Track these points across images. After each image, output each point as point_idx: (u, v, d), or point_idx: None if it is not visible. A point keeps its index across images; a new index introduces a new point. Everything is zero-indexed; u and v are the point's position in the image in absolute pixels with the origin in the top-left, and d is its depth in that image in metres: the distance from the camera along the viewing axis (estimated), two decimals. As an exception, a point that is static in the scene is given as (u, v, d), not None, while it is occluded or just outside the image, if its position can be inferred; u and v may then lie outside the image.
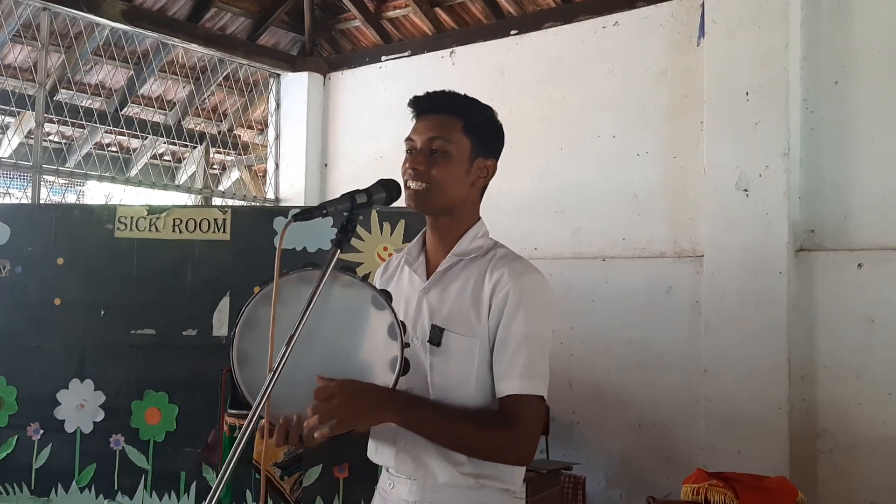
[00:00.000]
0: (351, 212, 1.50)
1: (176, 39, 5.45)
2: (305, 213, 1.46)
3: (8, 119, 5.79)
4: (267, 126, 6.32)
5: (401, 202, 1.70)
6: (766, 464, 3.67)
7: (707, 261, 4.16)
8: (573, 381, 4.61)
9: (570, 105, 4.83)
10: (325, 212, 1.47)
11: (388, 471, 1.73)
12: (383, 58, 5.81)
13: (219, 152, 6.76)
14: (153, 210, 3.59)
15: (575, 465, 3.92)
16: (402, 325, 1.55)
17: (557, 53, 4.93)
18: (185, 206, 3.63)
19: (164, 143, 6.37)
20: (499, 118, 1.76)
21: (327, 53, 6.22)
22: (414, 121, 1.71)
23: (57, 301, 3.58)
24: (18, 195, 6.32)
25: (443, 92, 1.71)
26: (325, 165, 6.06)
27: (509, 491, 1.68)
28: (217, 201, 6.05)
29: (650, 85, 4.52)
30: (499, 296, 1.61)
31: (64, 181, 7.68)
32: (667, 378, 4.31)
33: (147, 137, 6.19)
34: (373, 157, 5.65)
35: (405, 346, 1.54)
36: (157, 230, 3.57)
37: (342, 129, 6.01)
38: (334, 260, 1.44)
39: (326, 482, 3.31)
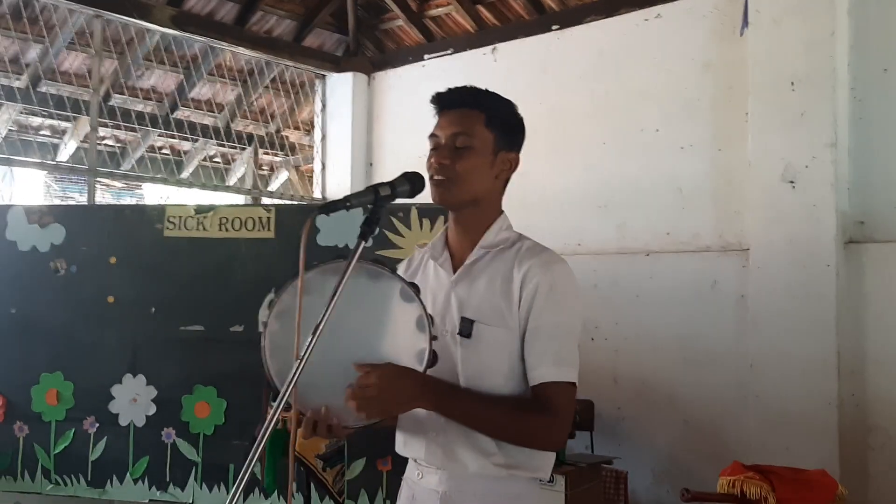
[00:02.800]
0: (375, 204, 1.53)
1: (223, 43, 5.57)
2: (329, 207, 1.49)
3: (65, 125, 6.00)
4: (314, 127, 6.41)
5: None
6: (816, 460, 3.59)
7: (753, 254, 4.09)
8: (619, 377, 4.59)
9: (613, 99, 4.80)
10: (348, 204, 1.50)
11: (416, 461, 1.76)
12: (426, 56, 5.85)
13: (267, 153, 6.88)
14: (200, 209, 3.69)
15: (616, 458, 3.90)
16: (431, 318, 1.57)
17: (599, 47, 4.90)
18: (232, 206, 3.71)
19: (215, 145, 6.52)
20: (518, 110, 1.77)
21: (371, 53, 6.29)
22: (437, 117, 1.73)
23: (110, 299, 3.69)
24: (79, 199, 6.54)
25: (464, 87, 1.74)
26: (371, 164, 6.13)
27: (538, 480, 1.70)
28: (266, 202, 6.17)
29: (694, 77, 4.47)
30: (529, 286, 1.63)
31: (121, 185, 7.93)
32: (714, 374, 4.26)
33: (198, 140, 6.34)
34: (416, 154, 5.61)
35: (433, 338, 1.56)
36: (204, 229, 3.66)
37: (386, 127, 6.07)
38: (359, 251, 1.47)
39: (370, 475, 3.36)
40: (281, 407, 1.36)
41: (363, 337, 1.57)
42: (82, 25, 5.04)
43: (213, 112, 6.30)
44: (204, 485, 3.55)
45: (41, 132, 6.07)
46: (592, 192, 4.84)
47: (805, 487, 2.61)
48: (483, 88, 1.74)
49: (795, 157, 3.90)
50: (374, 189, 1.54)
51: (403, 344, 1.55)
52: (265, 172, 7.30)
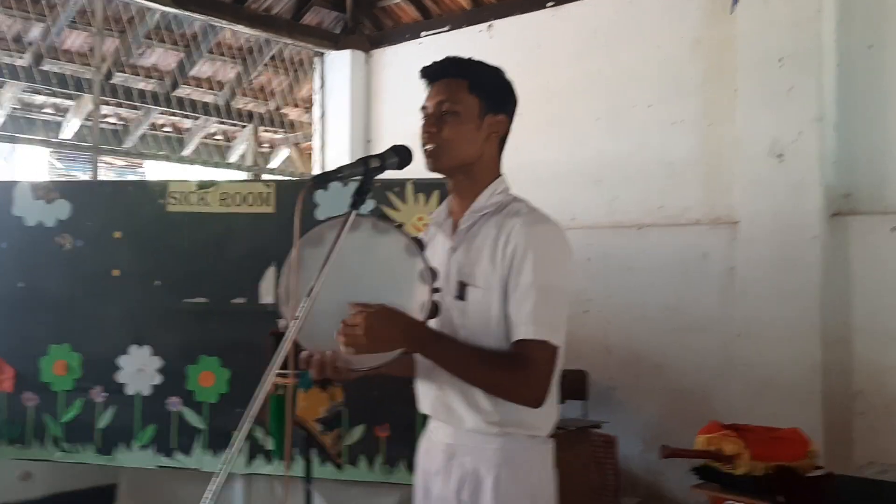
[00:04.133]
0: (365, 176, 1.63)
1: (223, 21, 5.63)
2: (322, 178, 1.59)
3: (68, 103, 6.08)
4: (313, 104, 6.48)
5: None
6: (801, 425, 3.70)
7: (742, 227, 4.20)
8: (611, 347, 4.71)
9: (606, 76, 4.88)
10: (340, 175, 1.60)
11: (429, 416, 1.87)
12: (423, 34, 5.91)
13: (267, 131, 6.96)
14: (202, 185, 3.77)
15: (604, 423, 4.01)
16: (433, 271, 1.66)
17: (593, 25, 4.97)
18: (233, 181, 3.80)
19: (216, 122, 6.60)
20: (506, 75, 1.85)
21: (369, 31, 6.35)
22: (427, 90, 1.83)
23: (115, 272, 3.79)
24: (82, 177, 6.63)
25: (448, 57, 1.82)
26: (369, 142, 6.21)
27: (538, 437, 1.78)
28: (266, 178, 6.26)
29: (685, 54, 4.55)
30: (510, 246, 1.69)
31: (124, 163, 8.01)
32: (702, 343, 4.38)
33: (199, 118, 6.42)
34: (413, 131, 5.62)
35: (434, 290, 1.66)
36: (206, 204, 3.76)
37: (384, 105, 6.15)
38: (350, 221, 1.58)
39: (369, 441, 3.47)
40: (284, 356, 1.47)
41: (369, 287, 1.65)
42: (83, 4, 5.10)
43: (214, 90, 6.37)
44: (209, 451, 3.67)
45: (44, 110, 6.15)
46: (585, 168, 4.93)
47: (778, 444, 2.73)
48: (468, 57, 1.82)
49: (783, 132, 3.99)
50: (364, 161, 1.64)
51: (407, 296, 1.65)
52: (266, 150, 7.38)
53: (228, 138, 7.10)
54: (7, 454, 3.81)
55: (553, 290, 1.68)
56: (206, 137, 6.88)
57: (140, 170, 8.80)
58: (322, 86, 6.34)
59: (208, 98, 6.37)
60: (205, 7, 5.48)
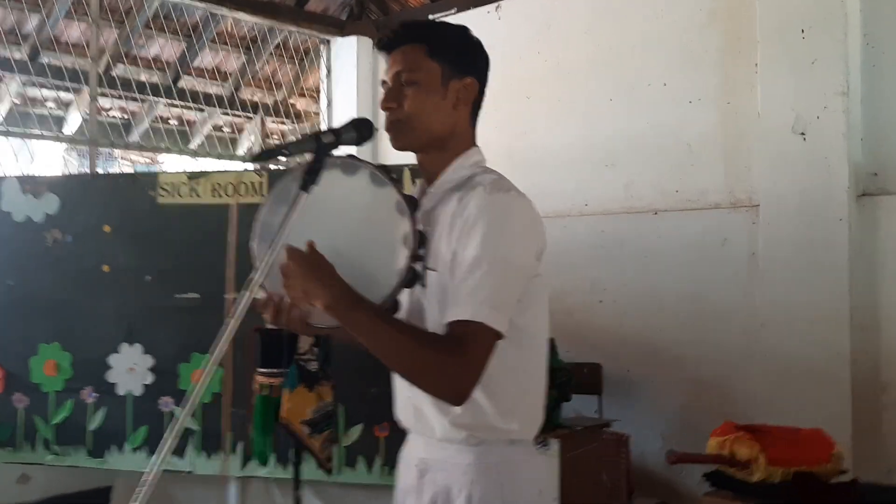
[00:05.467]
0: (317, 153, 1.45)
1: (224, 9, 5.48)
2: (264, 155, 1.42)
3: (69, 96, 5.96)
4: (319, 93, 6.32)
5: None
6: (827, 418, 3.49)
7: (763, 210, 3.97)
8: (626, 339, 4.49)
9: (618, 53, 4.65)
10: (285, 152, 1.43)
11: (405, 426, 1.67)
12: (430, 16, 5.71)
13: (275, 121, 6.81)
14: (193, 176, 3.63)
15: (615, 421, 3.79)
16: (420, 235, 1.50)
17: (603, 0, 4.74)
18: (224, 171, 3.65)
19: (221, 114, 6.46)
20: (471, 34, 1.66)
21: (376, 16, 6.17)
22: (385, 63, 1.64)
23: (105, 268, 3.66)
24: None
25: (402, 23, 1.64)
26: (376, 130, 6.01)
27: (519, 442, 1.56)
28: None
29: (700, 26, 4.31)
30: (460, 218, 1.48)
31: (147, 159, 7.88)
32: (723, 332, 4.15)
33: (204, 109, 6.28)
34: None
35: (417, 258, 1.49)
36: (197, 195, 3.61)
37: (392, 91, 5.95)
38: (300, 204, 1.40)
39: (367, 441, 3.31)
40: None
41: (349, 240, 1.51)
42: (80, -6, 4.97)
43: (218, 81, 6.23)
44: (202, 453, 3.53)
45: (47, 104, 6.04)
46: (598, 150, 4.71)
47: (798, 447, 2.50)
48: (425, 20, 1.65)
49: (806, 108, 3.75)
50: (316, 136, 1.45)
51: (386, 257, 1.49)
52: (275, 141, 7.23)
53: (236, 130, 6.96)
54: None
55: (503, 266, 1.44)
56: (213, 129, 6.74)
57: (158, 164, 8.68)
58: (328, 74, 6.18)
59: (214, 89, 6.23)
60: (205, -6, 5.33)
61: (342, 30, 6.10)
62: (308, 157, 1.44)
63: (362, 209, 1.53)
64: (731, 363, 4.11)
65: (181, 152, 5.91)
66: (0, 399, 3.69)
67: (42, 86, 5.39)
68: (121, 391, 3.60)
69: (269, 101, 6.56)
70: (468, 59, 1.64)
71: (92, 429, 3.63)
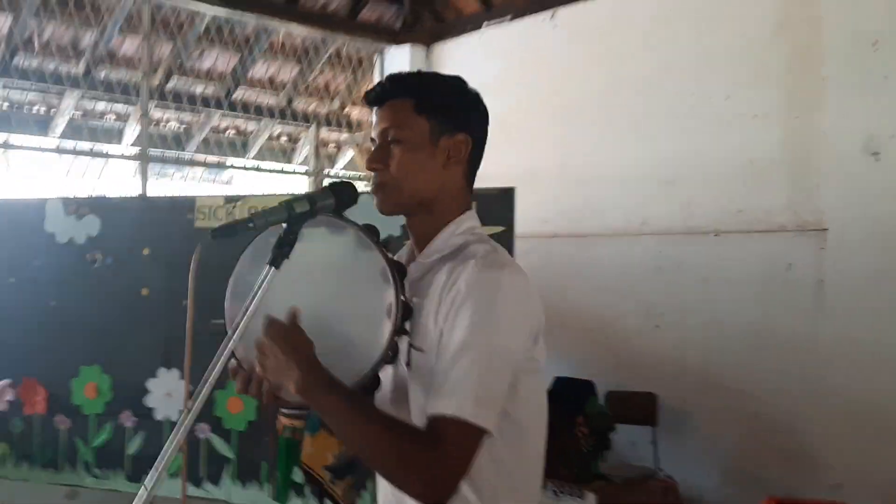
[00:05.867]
0: (289, 223, 1.32)
1: (276, 21, 5.43)
2: (225, 230, 1.30)
3: (129, 108, 6.01)
4: (374, 103, 6.21)
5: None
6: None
7: (832, 234, 3.69)
8: (684, 368, 4.25)
9: (678, 66, 4.40)
10: (251, 225, 1.30)
11: None
12: (484, 24, 5.55)
13: (332, 131, 6.75)
14: (230, 199, 3.58)
15: (659, 471, 3.50)
16: (404, 307, 1.36)
17: (663, 10, 4.49)
18: (261, 195, 3.59)
19: (278, 123, 6.44)
20: (466, 86, 1.52)
21: (429, 24, 6.03)
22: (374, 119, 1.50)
23: (144, 291, 3.65)
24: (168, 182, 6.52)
25: (390, 76, 1.49)
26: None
27: None
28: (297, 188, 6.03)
29: (765, 38, 4.03)
30: (449, 295, 1.34)
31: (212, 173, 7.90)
32: (788, 366, 3.88)
33: (261, 120, 6.27)
34: None
35: (401, 331, 1.36)
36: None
37: (445, 102, 5.81)
38: (264, 286, 1.28)
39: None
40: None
41: (329, 306, 1.39)
42: (131, 10, 4.99)
43: (274, 91, 6.20)
44: (238, 481, 3.47)
45: (106, 116, 6.12)
46: (656, 168, 4.47)
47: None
48: (414, 72, 1.50)
49: (879, 126, 3.46)
50: (288, 206, 1.32)
51: (368, 328, 1.35)
52: (332, 150, 7.18)
53: (293, 139, 6.93)
54: (41, 478, 3.73)
55: (491, 354, 1.30)
56: (270, 139, 6.72)
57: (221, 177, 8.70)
58: (382, 83, 6.06)
59: (269, 99, 6.20)
60: (256, 7, 5.29)
61: (396, 38, 5.99)
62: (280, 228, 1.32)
63: (346, 273, 1.40)
64: (796, 398, 3.83)
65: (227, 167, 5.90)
66: (43, 420, 3.71)
67: (98, 99, 5.44)
68: (158, 416, 3.58)
69: (324, 110, 6.51)
70: (460, 114, 1.49)
71: (130, 453, 3.62)
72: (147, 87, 4.95)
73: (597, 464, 3.00)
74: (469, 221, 1.48)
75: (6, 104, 5.27)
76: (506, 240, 3.08)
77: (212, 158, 5.72)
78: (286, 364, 1.30)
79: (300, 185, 6.38)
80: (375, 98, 1.48)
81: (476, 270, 1.34)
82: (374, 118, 1.50)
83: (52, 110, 5.50)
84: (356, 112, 6.72)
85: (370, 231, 1.41)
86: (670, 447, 4.14)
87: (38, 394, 3.73)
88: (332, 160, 7.02)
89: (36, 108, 5.53)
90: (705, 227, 4.26)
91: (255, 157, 6.44)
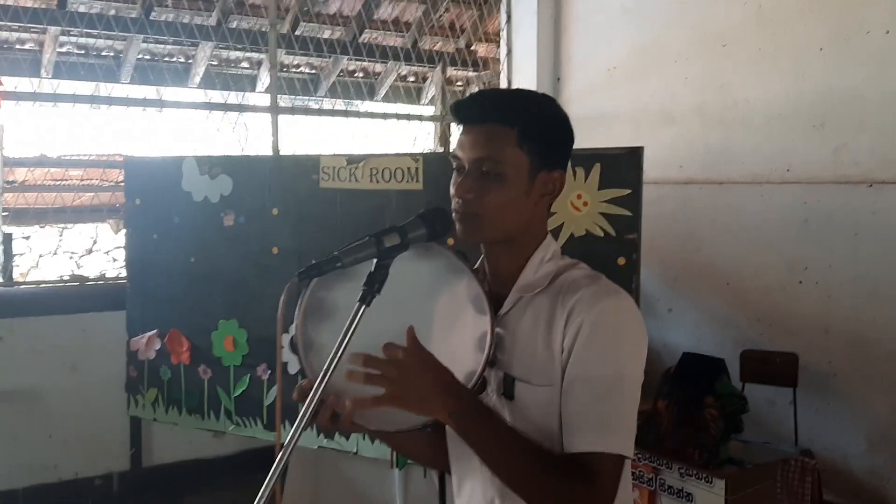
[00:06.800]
0: (379, 258, 1.26)
1: (399, -40, 5.32)
2: (313, 270, 1.26)
3: (261, 56, 6.12)
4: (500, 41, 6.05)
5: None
6: None
7: None
8: (830, 327, 3.98)
9: (833, -5, 3.98)
10: (339, 265, 1.25)
11: None
12: (616, -43, 5.21)
13: (458, 70, 6.63)
14: (352, 160, 3.58)
15: (799, 456, 3.24)
16: (498, 337, 1.33)
17: (818, -70, 4.05)
18: (382, 156, 3.56)
19: (405, 64, 6.39)
20: (564, 114, 1.41)
21: (559, -45, 5.73)
22: (460, 129, 1.40)
23: (275, 250, 3.74)
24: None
25: (488, 95, 1.40)
26: (558, 79, 5.68)
27: None
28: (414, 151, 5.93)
29: (938, -38, 3.56)
30: (571, 328, 1.30)
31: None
32: (950, 329, 3.55)
33: (387, 62, 6.23)
34: (605, 67, 5.17)
35: (490, 363, 1.32)
36: (356, 180, 3.56)
37: (575, 38, 5.56)
38: (358, 319, 1.24)
39: None
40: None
41: (419, 333, 1.31)
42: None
43: (400, 32, 6.13)
44: (366, 436, 3.57)
45: (241, 65, 6.25)
46: (805, 108, 4.10)
47: None
48: (513, 92, 1.39)
49: None
50: (377, 239, 1.27)
51: (458, 358, 1.31)
52: (459, 89, 7.07)
53: (420, 79, 6.86)
54: (188, 423, 3.97)
55: (625, 385, 1.30)
56: (398, 80, 6.69)
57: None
58: (508, 20, 5.87)
59: (395, 41, 6.14)
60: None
61: (524, -28, 5.74)
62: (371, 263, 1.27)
63: (437, 299, 1.36)
64: (958, 365, 3.51)
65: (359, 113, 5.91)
66: (188, 370, 3.93)
67: (231, 49, 5.57)
68: (292, 370, 3.70)
69: (452, 48, 6.38)
70: (560, 149, 1.41)
71: (267, 404, 3.79)
72: (275, 37, 5.00)
73: (727, 447, 2.86)
74: (553, 246, 1.44)
75: (147, 57, 5.48)
76: (632, 204, 2.92)
77: (339, 106, 5.73)
78: (434, 391, 1.24)
79: (427, 130, 6.32)
80: (470, 116, 1.37)
81: (593, 299, 1.31)
82: (461, 135, 1.38)
83: (190, 61, 5.68)
84: (483, 49, 6.56)
85: (463, 256, 1.35)
86: (811, 410, 3.92)
87: (182, 345, 3.94)
88: (458, 98, 6.91)
89: (175, 59, 5.73)
90: (859, 176, 3.90)
91: (383, 100, 6.45)
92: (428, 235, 1.32)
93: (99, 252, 6.63)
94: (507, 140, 1.33)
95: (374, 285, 1.24)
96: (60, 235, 6.51)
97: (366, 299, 1.24)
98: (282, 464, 1.21)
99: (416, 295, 1.36)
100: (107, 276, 5.79)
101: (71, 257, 6.56)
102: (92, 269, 6.40)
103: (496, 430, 1.27)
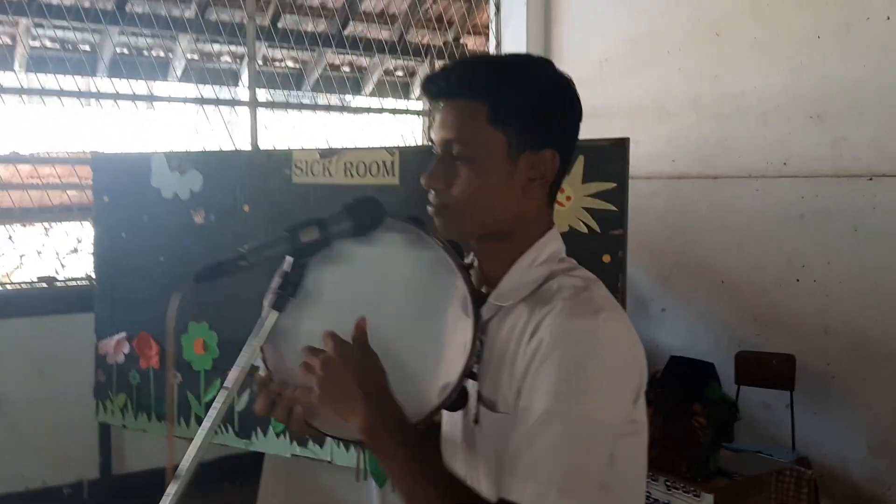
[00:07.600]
0: (295, 255, 1.09)
1: (384, -51, 5.15)
2: (213, 271, 1.09)
3: (241, 49, 5.95)
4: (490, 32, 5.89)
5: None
6: None
7: None
8: (829, 327, 3.81)
9: (831, -20, 3.81)
10: (243, 263, 1.09)
11: None
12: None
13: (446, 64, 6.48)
14: (325, 154, 3.42)
15: (794, 467, 3.07)
16: (480, 344, 1.14)
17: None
18: (356, 149, 3.41)
19: (392, 58, 6.23)
20: (556, 81, 1.17)
21: (548, -55, 5.56)
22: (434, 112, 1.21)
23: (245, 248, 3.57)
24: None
25: (458, 66, 1.18)
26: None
27: None
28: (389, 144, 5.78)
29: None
30: (531, 348, 1.08)
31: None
32: (954, 329, 3.39)
33: (374, 56, 6.08)
34: (597, 59, 5.00)
35: (470, 374, 1.13)
36: (330, 175, 3.40)
37: (565, 30, 5.39)
38: (267, 330, 1.07)
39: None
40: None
41: (396, 327, 1.16)
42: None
43: (387, 24, 5.97)
44: (340, 444, 3.41)
45: (223, 59, 6.08)
46: (803, 99, 3.94)
47: None
48: (488, 60, 1.20)
49: None
50: (292, 234, 1.10)
51: (433, 361, 1.14)
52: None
53: (409, 73, 6.70)
54: (157, 430, 3.81)
55: (582, 427, 1.03)
56: (385, 74, 6.52)
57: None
58: (497, 11, 5.70)
59: (382, 34, 5.98)
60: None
61: (512, -39, 5.57)
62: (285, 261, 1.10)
63: (419, 294, 1.17)
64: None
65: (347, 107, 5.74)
66: (156, 374, 3.77)
67: (212, 41, 5.40)
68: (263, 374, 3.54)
69: (440, 42, 6.22)
70: (548, 124, 1.16)
71: (238, 410, 3.62)
72: (254, 29, 4.84)
73: (716, 458, 2.68)
74: (551, 245, 1.20)
75: (125, 50, 5.31)
76: (618, 199, 2.75)
77: (321, 101, 5.56)
78: (352, 395, 1.06)
79: (415, 126, 6.17)
80: (438, 91, 1.16)
81: (564, 316, 1.06)
82: (435, 115, 1.19)
83: (169, 55, 5.51)
84: (472, 42, 6.40)
85: (455, 251, 1.16)
86: (809, 414, 3.76)
87: (151, 348, 3.78)
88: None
89: (154, 53, 5.56)
90: (859, 169, 3.74)
91: (370, 95, 6.30)
92: (354, 230, 1.15)
93: (83, 252, 6.48)
94: (477, 116, 1.12)
95: (287, 288, 1.08)
96: (46, 235, 6.35)
97: (279, 305, 1.08)
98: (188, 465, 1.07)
99: (396, 285, 1.18)
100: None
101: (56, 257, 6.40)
102: (78, 269, 6.24)
103: (411, 461, 1.05)
